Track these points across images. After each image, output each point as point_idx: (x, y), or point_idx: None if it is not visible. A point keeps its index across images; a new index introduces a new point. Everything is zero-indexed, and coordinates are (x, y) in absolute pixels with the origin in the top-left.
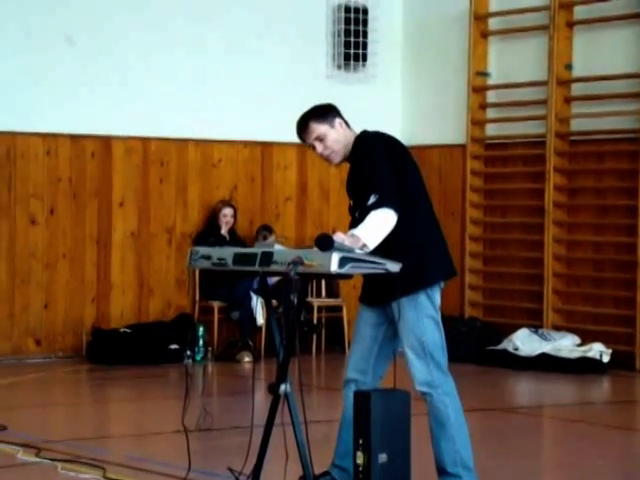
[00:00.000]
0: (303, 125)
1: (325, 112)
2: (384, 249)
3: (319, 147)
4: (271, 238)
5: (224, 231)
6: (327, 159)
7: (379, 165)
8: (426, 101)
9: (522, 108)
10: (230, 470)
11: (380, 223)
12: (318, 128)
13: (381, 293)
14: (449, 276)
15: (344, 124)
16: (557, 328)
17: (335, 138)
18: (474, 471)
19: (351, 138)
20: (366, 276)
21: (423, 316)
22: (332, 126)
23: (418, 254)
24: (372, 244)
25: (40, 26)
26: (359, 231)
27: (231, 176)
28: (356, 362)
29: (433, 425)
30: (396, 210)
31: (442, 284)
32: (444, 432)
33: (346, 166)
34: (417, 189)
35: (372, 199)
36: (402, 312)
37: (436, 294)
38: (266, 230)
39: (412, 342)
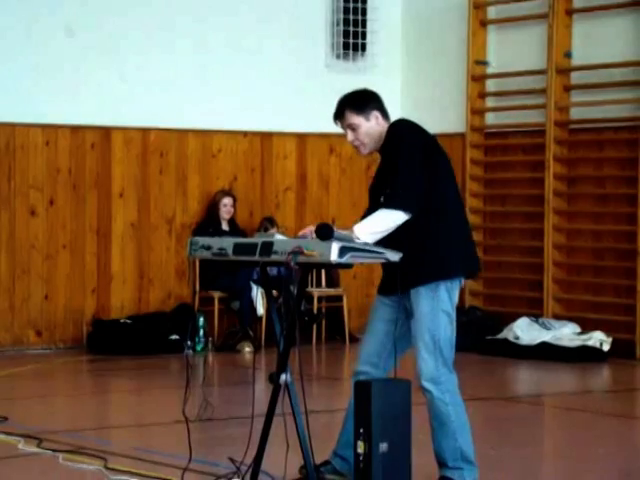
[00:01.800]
0: (339, 110)
1: (364, 102)
2: (410, 238)
3: (350, 135)
4: (272, 230)
5: (225, 223)
6: (356, 148)
7: (406, 160)
8: (425, 90)
9: (522, 97)
10: (231, 460)
11: (382, 222)
12: (352, 118)
13: (401, 281)
14: (471, 273)
15: (380, 117)
16: (557, 317)
17: (367, 131)
18: (475, 464)
19: (385, 129)
20: (385, 266)
21: (439, 310)
22: (367, 119)
23: (444, 246)
24: (367, 241)
25: (40, 18)
26: (358, 226)
27: (231, 166)
28: (369, 355)
29: (434, 423)
30: (407, 211)
31: (462, 281)
32: (445, 430)
33: (346, 156)
34: (448, 184)
35: (386, 196)
36: (419, 302)
37: (455, 289)
38: (269, 222)
39: (425, 336)
